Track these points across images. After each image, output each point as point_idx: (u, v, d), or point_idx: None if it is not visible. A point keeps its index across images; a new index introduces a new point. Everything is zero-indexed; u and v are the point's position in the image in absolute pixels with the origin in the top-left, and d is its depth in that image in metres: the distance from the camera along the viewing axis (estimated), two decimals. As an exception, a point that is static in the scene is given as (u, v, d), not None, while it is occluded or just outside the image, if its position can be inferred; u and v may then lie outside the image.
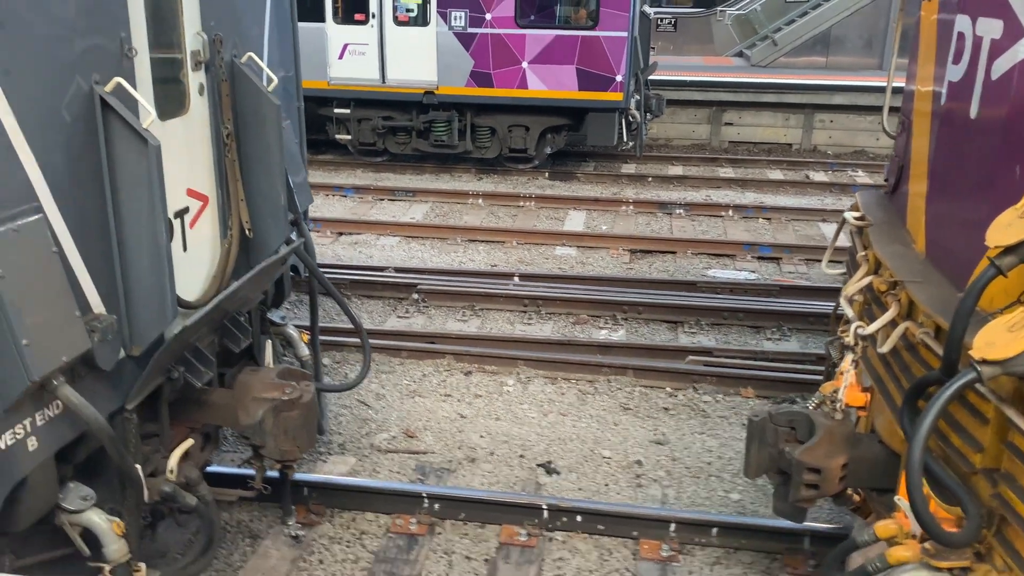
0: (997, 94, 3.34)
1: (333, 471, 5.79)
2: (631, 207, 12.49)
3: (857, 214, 4.51)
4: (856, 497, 4.14)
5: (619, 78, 13.20)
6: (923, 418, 2.75)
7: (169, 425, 4.07)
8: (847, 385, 4.00)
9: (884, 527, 3.17)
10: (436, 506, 5.36)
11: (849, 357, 4.06)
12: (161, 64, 3.78)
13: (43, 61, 3.01)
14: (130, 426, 3.64)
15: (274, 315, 5.05)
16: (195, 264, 4.08)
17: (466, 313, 8.66)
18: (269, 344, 4.92)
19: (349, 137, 14.57)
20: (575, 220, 12.00)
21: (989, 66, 3.41)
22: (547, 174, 14.39)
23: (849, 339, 3.96)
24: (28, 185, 2.97)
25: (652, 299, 8.75)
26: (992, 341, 2.59)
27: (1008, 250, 2.72)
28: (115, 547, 3.42)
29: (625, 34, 13.06)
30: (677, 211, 12.37)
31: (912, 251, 4.02)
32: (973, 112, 3.54)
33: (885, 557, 3.11)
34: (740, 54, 21.57)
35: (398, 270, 9.53)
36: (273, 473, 4.95)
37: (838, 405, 3.92)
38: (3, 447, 2.95)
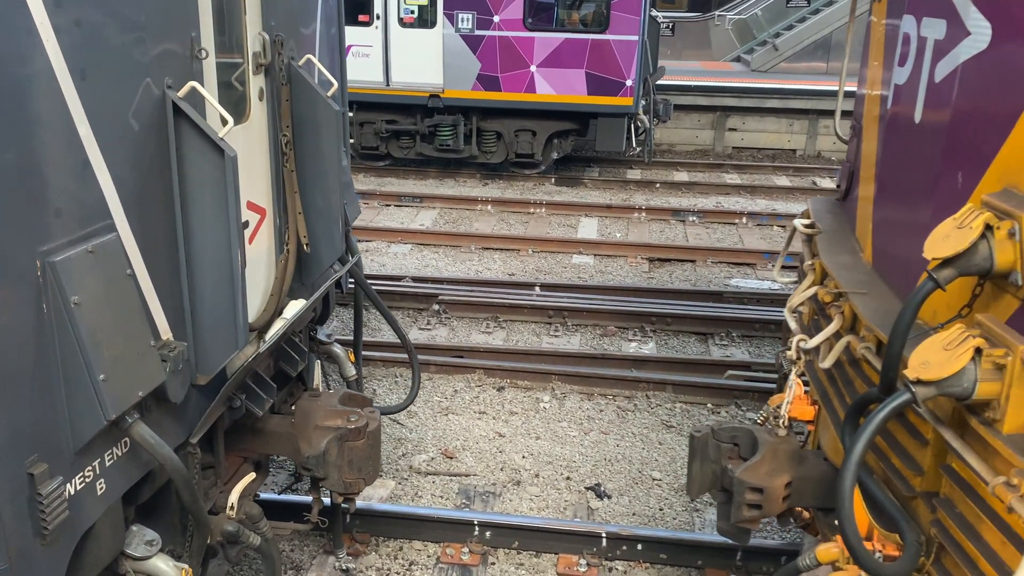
0: (940, 97, 3.24)
1: (373, 496, 5.51)
2: (643, 214, 12.29)
3: (807, 221, 4.37)
4: (806, 514, 4.00)
5: (629, 83, 13.01)
6: (855, 442, 2.65)
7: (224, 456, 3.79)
8: (790, 400, 3.87)
9: (826, 551, 3.07)
10: (488, 534, 5.10)
11: (793, 371, 3.92)
12: (224, 67, 3.49)
13: (117, 63, 2.73)
14: (193, 461, 3.35)
15: (321, 333, 4.77)
16: (252, 282, 3.80)
17: (490, 325, 8.40)
18: (318, 365, 4.64)
19: (352, 141, 14.25)
20: (588, 227, 11.78)
21: (933, 68, 3.31)
22: (553, 180, 14.17)
23: (791, 353, 3.83)
24: (102, 201, 2.69)
25: (679, 310, 8.54)
26: (927, 360, 2.50)
27: (946, 262, 2.64)
28: (184, 597, 3.13)
29: (636, 38, 12.87)
30: (691, 218, 12.19)
31: (859, 260, 3.89)
32: (917, 116, 3.45)
33: None
34: (738, 59, 21.48)
35: (416, 279, 9.27)
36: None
37: (781, 421, 3.78)
38: (72, 492, 2.66)
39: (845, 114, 4.98)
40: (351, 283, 5.30)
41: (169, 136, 2.97)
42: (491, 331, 8.29)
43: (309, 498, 4.61)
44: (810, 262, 4.20)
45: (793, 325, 4.03)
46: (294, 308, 3.94)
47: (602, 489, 5.75)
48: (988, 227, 2.60)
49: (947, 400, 2.64)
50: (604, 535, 5.04)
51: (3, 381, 2.35)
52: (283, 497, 5.23)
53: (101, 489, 2.80)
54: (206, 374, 3.26)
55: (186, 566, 3.19)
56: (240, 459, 4.09)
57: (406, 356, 7.38)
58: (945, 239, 2.68)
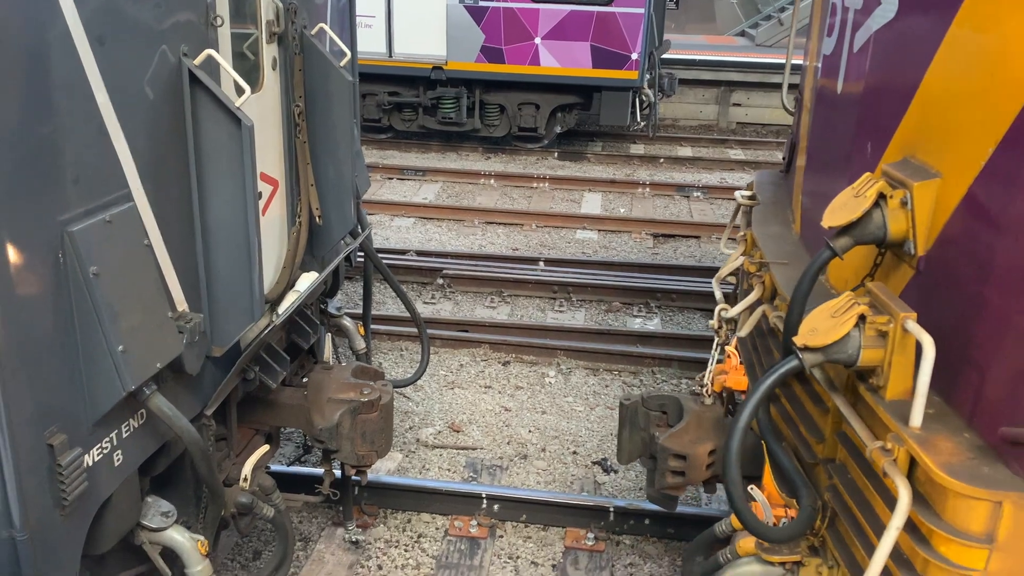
0: (857, 67, 3.27)
1: (381, 468, 5.52)
2: (647, 189, 12.24)
3: (748, 193, 4.39)
4: None
5: (635, 56, 12.89)
6: (741, 407, 2.68)
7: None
8: (711, 369, 3.94)
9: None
10: (496, 507, 5.12)
11: (715, 340, 4.00)
12: (238, 36, 3.44)
13: (134, 30, 2.68)
14: (208, 433, 3.34)
15: (331, 306, 4.75)
16: (266, 255, 3.76)
17: (494, 299, 8.39)
18: (329, 337, 4.63)
19: (353, 113, 14.13)
20: (592, 202, 11.73)
21: (852, 38, 3.33)
22: (556, 154, 14.08)
23: (713, 323, 3.88)
24: (119, 170, 2.65)
25: (684, 286, 8.53)
26: (816, 327, 2.52)
27: (843, 231, 2.67)
28: (200, 568, 3.14)
29: (642, 11, 12.73)
30: (695, 194, 12.14)
31: (789, 232, 3.92)
32: (839, 86, 3.49)
33: (736, 548, 3.11)
34: (743, 33, 21.30)
35: (420, 253, 9.23)
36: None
37: (705, 390, 3.81)
38: (90, 463, 2.65)
39: (792, 87, 5.07)
40: (360, 257, 5.27)
41: (185, 105, 2.93)
42: (495, 306, 8.28)
43: (320, 470, 4.62)
44: (742, 233, 4.23)
45: (718, 295, 4.07)
46: (307, 281, 3.92)
47: (608, 464, 5.76)
48: (881, 196, 2.63)
49: (842, 368, 2.65)
50: (612, 509, 5.06)
51: (23, 352, 2.33)
52: (294, 469, 5.24)
53: (118, 460, 2.80)
54: (221, 346, 3.24)
55: (201, 537, 3.19)
56: (252, 431, 4.08)
57: (412, 330, 7.38)
58: (842, 208, 2.72)
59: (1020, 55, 2.20)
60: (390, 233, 10.30)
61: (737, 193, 4.40)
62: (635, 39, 12.85)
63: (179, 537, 3.11)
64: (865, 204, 2.60)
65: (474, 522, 5.06)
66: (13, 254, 2.28)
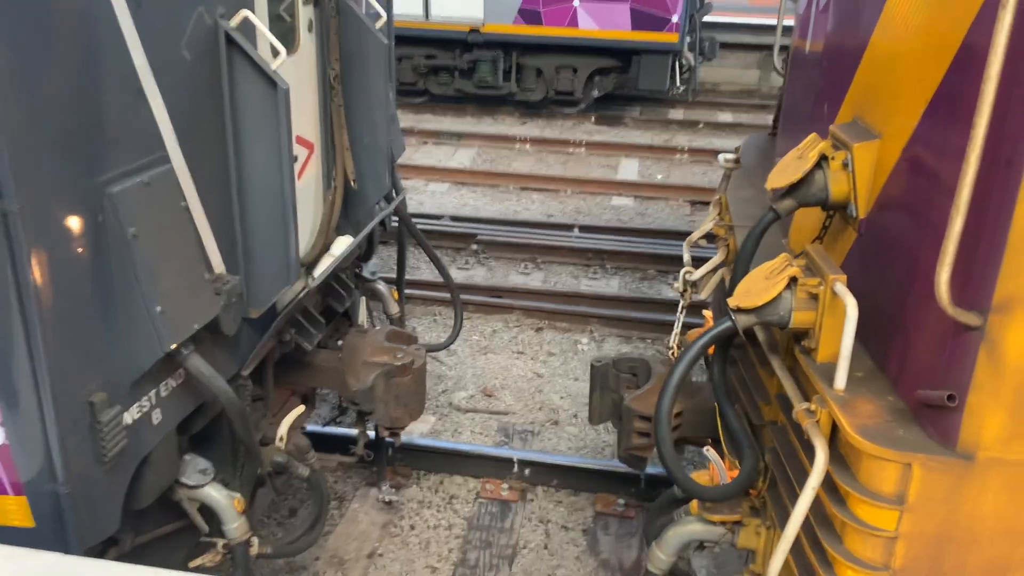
0: (821, 27, 3.27)
1: (414, 431, 5.57)
2: (685, 155, 12.07)
3: (732, 156, 4.34)
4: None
5: (675, 19, 12.64)
6: (673, 368, 2.69)
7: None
8: (678, 332, 3.96)
9: (697, 477, 3.18)
10: (527, 471, 5.16)
11: (681, 302, 4.03)
12: (274, -3, 3.42)
13: (170, -9, 2.68)
14: (245, 393, 3.40)
15: (366, 270, 4.77)
16: (301, 218, 3.77)
17: (528, 266, 8.37)
18: (363, 301, 4.66)
19: (389, 76, 14.08)
20: (628, 168, 11.61)
21: None
22: (593, 119, 13.93)
23: (678, 285, 3.90)
24: (156, 132, 2.66)
25: (721, 254, 8.43)
26: (750, 289, 2.54)
27: (787, 192, 2.67)
28: (236, 525, 3.21)
29: (683, -28, 12.46)
30: (734, 161, 11.95)
31: (764, 195, 3.87)
32: (807, 46, 3.51)
33: (689, 508, 3.18)
34: (786, -4, 20.76)
35: (454, 219, 9.22)
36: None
37: (671, 352, 3.82)
38: (129, 421, 2.71)
39: (783, 49, 5.01)
40: (394, 221, 5.28)
41: (221, 67, 2.93)
42: (529, 272, 8.26)
43: (354, 431, 4.68)
44: (717, 196, 4.23)
45: (686, 258, 4.08)
46: (342, 245, 3.94)
47: (641, 431, 5.76)
48: (824, 158, 2.62)
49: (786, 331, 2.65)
50: (643, 477, 5.06)
51: (64, 312, 2.38)
52: (329, 430, 5.32)
53: (157, 419, 2.85)
54: (258, 308, 3.28)
55: (237, 494, 3.26)
56: (288, 392, 4.14)
57: (445, 295, 7.40)
58: (785, 170, 2.72)
59: (948, 16, 2.16)
60: (424, 198, 10.30)
61: (720, 156, 4.37)
62: (676, 1, 12.58)
63: (216, 494, 3.17)
64: (806, 166, 2.60)
65: (505, 485, 5.10)
66: (54, 215, 2.31)
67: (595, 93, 13.82)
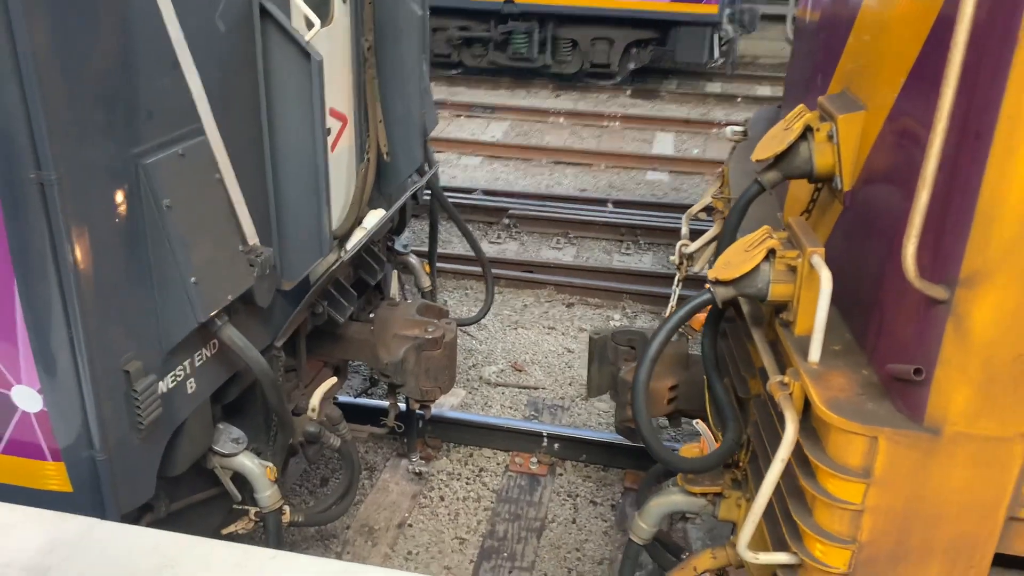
0: None
1: (444, 403, 5.60)
2: (723, 130, 11.89)
3: (739, 129, 4.29)
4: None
5: (714, -10, 12.40)
6: (651, 340, 2.71)
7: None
8: (672, 305, 3.95)
9: (688, 450, 3.22)
10: (556, 446, 5.17)
11: (677, 275, 4.02)
12: (308, -33, 3.40)
13: (205, -39, 2.67)
14: (278, 364, 3.43)
15: (398, 244, 4.78)
16: (334, 191, 3.78)
17: (560, 240, 8.33)
18: (395, 275, 4.67)
19: (423, 48, 14.02)
20: (664, 143, 11.48)
21: None
22: (629, 92, 13.77)
23: (674, 258, 3.89)
24: (191, 104, 2.67)
25: (756, 231, 8.33)
26: (730, 261, 2.53)
27: (772, 164, 2.68)
28: (268, 493, 3.26)
29: (723, -58, 12.20)
30: (771, 136, 11.76)
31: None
32: (807, 15, 3.50)
33: (677, 479, 3.24)
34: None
35: (486, 193, 9.20)
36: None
37: None
38: (164, 390, 2.75)
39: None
40: (426, 195, 5.27)
41: (256, 38, 2.93)
42: (561, 247, 8.23)
43: (385, 403, 4.72)
44: (720, 169, 4.13)
45: (684, 231, 4.04)
46: (374, 217, 3.94)
47: (671, 408, 5.74)
48: (808, 129, 2.60)
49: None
50: (672, 453, 5.05)
51: (100, 282, 2.41)
52: (360, 401, 5.36)
53: (191, 388, 2.89)
54: (291, 280, 3.30)
55: (270, 464, 3.30)
56: (320, 363, 4.19)
57: (476, 269, 7.40)
58: (770, 141, 2.70)
59: None
60: (457, 172, 10.29)
61: (728, 128, 4.31)
62: (715, -28, 12.35)
63: (249, 463, 3.22)
64: (791, 137, 2.59)
65: (534, 459, 5.12)
66: (91, 186, 2.33)
67: (631, 66, 13.64)
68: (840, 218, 2.67)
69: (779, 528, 2.46)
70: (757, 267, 2.45)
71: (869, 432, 2.11)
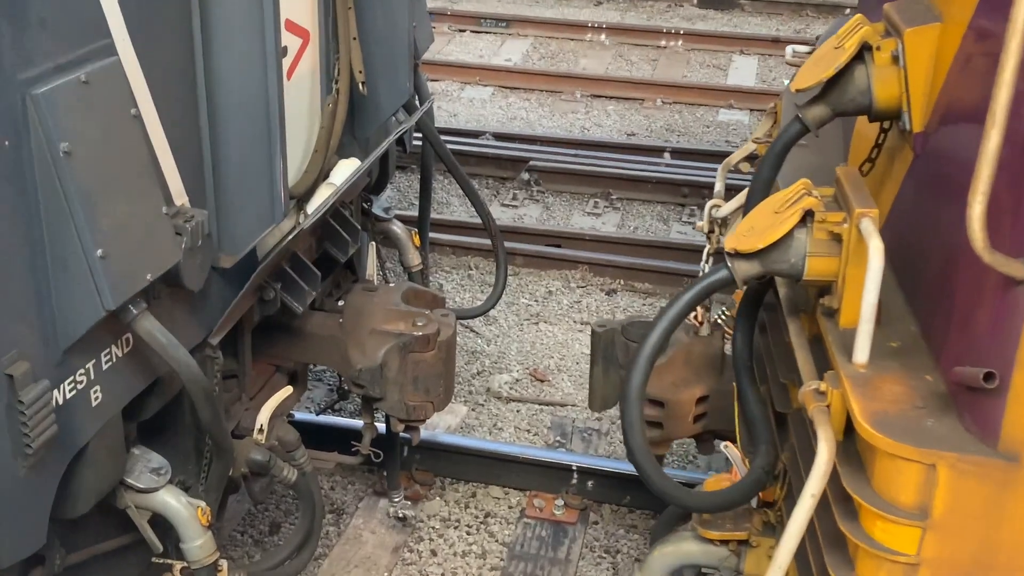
0: None
1: (440, 424, 5.65)
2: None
3: (805, 49, 4.32)
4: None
5: None
6: (648, 333, 2.73)
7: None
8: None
9: (715, 482, 3.26)
10: (590, 484, 5.20)
11: (707, 247, 4.06)
12: None
13: None
14: (213, 367, 3.46)
15: (377, 206, 4.80)
16: (292, 133, 3.78)
17: (598, 203, 8.36)
18: (373, 248, 4.69)
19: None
20: (744, 70, 11.51)
21: None
22: (696, 0, 13.76)
23: (702, 224, 3.93)
24: (98, 11, 2.67)
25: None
26: (755, 226, 2.54)
27: (819, 96, 2.73)
28: (199, 543, 3.28)
29: None
30: (890, 63, 11.72)
31: None
32: None
33: (694, 523, 3.28)
34: None
35: (499, 137, 9.23)
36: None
37: (700, 315, 3.79)
38: (60, 402, 2.76)
39: None
40: (417, 139, 5.28)
41: (186, -78, 2.94)
42: (600, 212, 8.26)
43: (358, 423, 4.74)
44: (772, 104, 4.23)
45: (718, 187, 4.07)
46: (345, 170, 3.95)
47: (747, 435, 5.75)
48: (866, 47, 2.59)
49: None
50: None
51: (-27, 253, 2.42)
52: (324, 419, 5.39)
53: (96, 399, 2.91)
54: (232, 254, 3.31)
55: (201, 503, 3.33)
56: (271, 368, 4.20)
57: (484, 241, 7.39)
58: (818, 64, 2.71)
59: None
60: (459, 107, 10.31)
61: (789, 48, 4.27)
62: None
63: (173, 502, 3.23)
64: (842, 58, 2.58)
65: (560, 502, 5.14)
66: (-40, 123, 2.34)
67: (699, -36, 13.61)
68: (910, 170, 2.69)
69: None
70: (789, 234, 2.45)
71: (925, 458, 2.11)
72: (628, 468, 5.20)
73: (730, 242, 2.56)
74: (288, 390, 3.83)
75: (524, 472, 5.25)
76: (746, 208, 2.91)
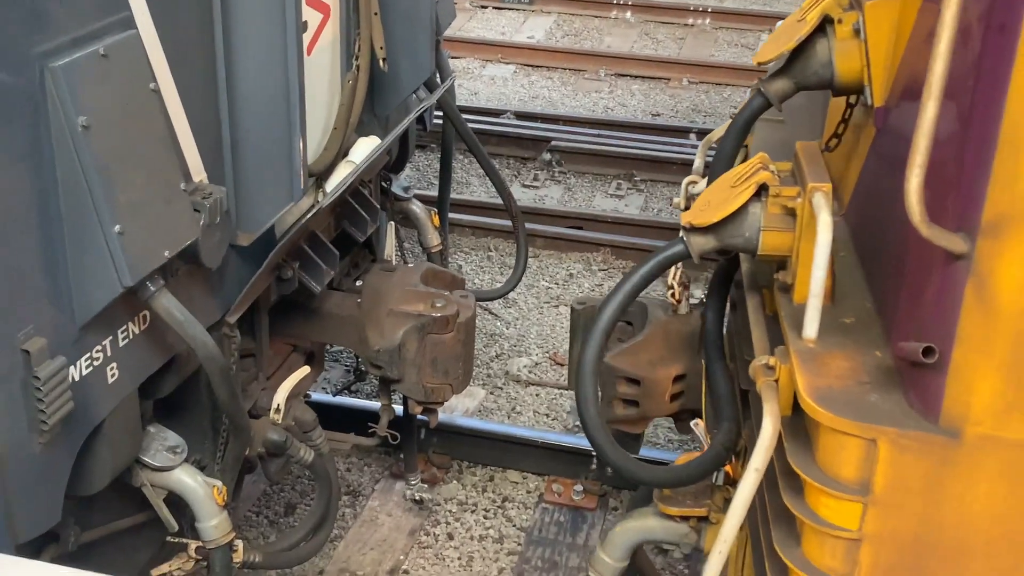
0: None
1: (457, 407, 5.67)
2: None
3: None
4: None
5: None
6: (602, 308, 2.75)
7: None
8: (678, 266, 3.82)
9: (685, 460, 3.27)
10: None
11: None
12: None
13: None
14: (231, 346, 3.48)
15: (396, 185, 4.80)
16: (311, 109, 3.78)
17: (621, 185, 8.34)
18: (392, 228, 4.70)
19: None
20: (770, 51, 11.38)
21: None
22: (723, -21, 13.65)
23: (679, 200, 3.88)
24: (117, -16, 2.69)
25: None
26: (711, 200, 2.58)
27: (781, 70, 2.77)
28: (215, 523, 3.31)
29: None
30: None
31: None
32: None
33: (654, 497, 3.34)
34: None
35: (520, 116, 9.22)
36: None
37: (677, 292, 3.77)
38: (76, 378, 2.79)
39: None
40: (438, 117, 5.28)
41: None
42: (623, 194, 8.25)
43: (375, 404, 4.76)
44: (756, 82, 4.19)
45: (697, 162, 4.04)
46: (365, 148, 3.95)
47: (770, 422, 5.75)
48: (827, 20, 2.60)
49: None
50: (771, 485, 5.06)
51: (-10, 228, 2.44)
52: (341, 400, 5.41)
53: (113, 376, 2.93)
54: (250, 232, 3.33)
55: (218, 482, 3.35)
56: (288, 348, 4.22)
57: (505, 222, 7.39)
58: (780, 36, 2.74)
59: None
60: (480, 86, 10.30)
61: (780, 23, 4.27)
62: None
63: (189, 480, 3.26)
64: (804, 30, 2.59)
65: (579, 487, 5.16)
66: (-24, 96, 2.36)
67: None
68: (873, 145, 2.69)
69: (763, 563, 2.51)
70: (744, 209, 2.48)
71: (865, 432, 2.13)
72: (651, 454, 5.24)
73: (686, 216, 2.60)
74: (305, 370, 3.84)
75: (543, 457, 5.27)
76: (709, 182, 2.92)
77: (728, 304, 3.39)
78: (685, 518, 3.22)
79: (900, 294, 2.31)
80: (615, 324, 2.81)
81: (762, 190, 2.49)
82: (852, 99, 2.81)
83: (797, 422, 2.37)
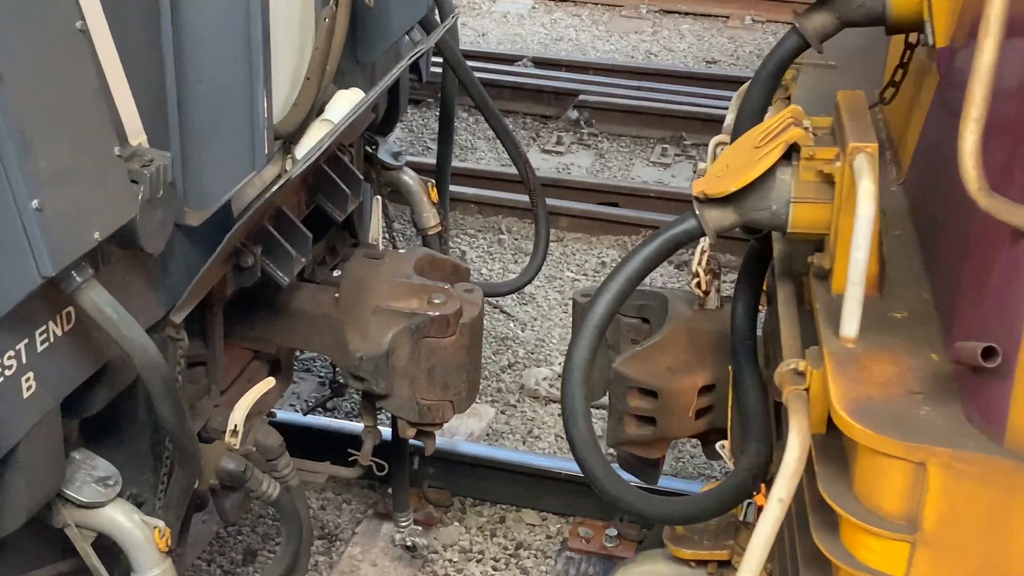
0: None
1: (460, 430, 5.69)
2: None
3: None
4: None
5: None
6: (597, 295, 2.80)
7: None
8: (703, 248, 3.88)
9: (712, 487, 3.29)
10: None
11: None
12: None
13: None
14: (176, 351, 3.49)
15: (383, 150, 4.81)
16: (277, 56, 3.81)
17: (667, 151, 8.36)
18: (379, 204, 4.71)
19: None
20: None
21: None
22: None
23: (704, 166, 3.90)
24: (36, -101, 2.70)
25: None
26: (731, 163, 2.59)
27: (817, 5, 2.83)
28: (156, 573, 3.32)
29: None
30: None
31: None
32: None
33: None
34: None
35: (539, 63, 9.23)
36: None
37: (698, 282, 3.83)
38: (-15, 391, 2.81)
39: None
40: (437, 65, 5.29)
41: None
42: (668, 162, 8.28)
43: (358, 425, 4.78)
44: None
45: (729, 118, 4.05)
46: (344, 104, 3.97)
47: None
48: None
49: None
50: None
51: None
52: (315, 420, 5.43)
53: (29, 389, 2.94)
54: (201, 209, 3.34)
55: (160, 523, 3.36)
56: (248, 354, 4.24)
57: (521, 197, 7.41)
58: None
59: None
60: (490, 26, 10.34)
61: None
62: None
63: (124, 520, 3.27)
64: None
65: (612, 531, 5.18)
66: None
67: None
68: (935, 96, 2.72)
69: None
70: (770, 174, 2.48)
71: (912, 454, 2.12)
72: (699, 489, 5.26)
73: (699, 184, 2.61)
74: (270, 382, 3.87)
75: (567, 492, 5.30)
76: (732, 139, 2.97)
77: (763, 297, 3.42)
78: (702, 562, 3.25)
79: (959, 281, 2.32)
80: (611, 318, 2.83)
81: (793, 151, 2.50)
82: (912, 38, 2.84)
83: (832, 442, 2.38)
